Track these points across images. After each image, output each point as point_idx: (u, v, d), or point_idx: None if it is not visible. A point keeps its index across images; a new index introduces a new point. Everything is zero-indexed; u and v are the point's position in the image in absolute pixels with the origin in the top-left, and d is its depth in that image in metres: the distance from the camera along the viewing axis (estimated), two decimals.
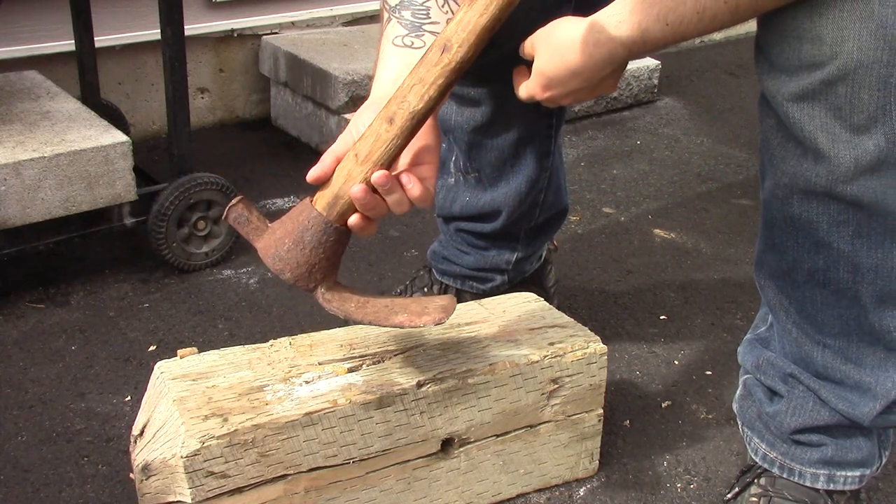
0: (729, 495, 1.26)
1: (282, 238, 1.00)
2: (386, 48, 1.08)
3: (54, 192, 1.56)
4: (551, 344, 1.20)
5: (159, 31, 1.64)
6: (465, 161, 1.44)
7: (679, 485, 1.31)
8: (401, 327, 1.03)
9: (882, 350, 1.09)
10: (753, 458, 1.25)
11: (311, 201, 1.00)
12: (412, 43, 1.07)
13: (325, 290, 1.02)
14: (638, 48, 1.03)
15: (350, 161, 0.97)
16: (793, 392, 1.17)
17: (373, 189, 0.97)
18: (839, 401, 1.13)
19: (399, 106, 0.95)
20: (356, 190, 0.96)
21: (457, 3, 1.09)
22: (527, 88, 1.13)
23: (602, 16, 1.04)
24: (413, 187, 0.98)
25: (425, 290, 1.58)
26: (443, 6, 1.09)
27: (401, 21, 1.08)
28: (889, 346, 1.09)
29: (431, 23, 1.08)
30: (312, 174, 0.99)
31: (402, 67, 1.04)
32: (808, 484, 1.20)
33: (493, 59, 1.25)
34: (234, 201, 1.02)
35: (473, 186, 1.45)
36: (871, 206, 0.99)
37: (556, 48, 1.07)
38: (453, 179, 1.47)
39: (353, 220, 1.00)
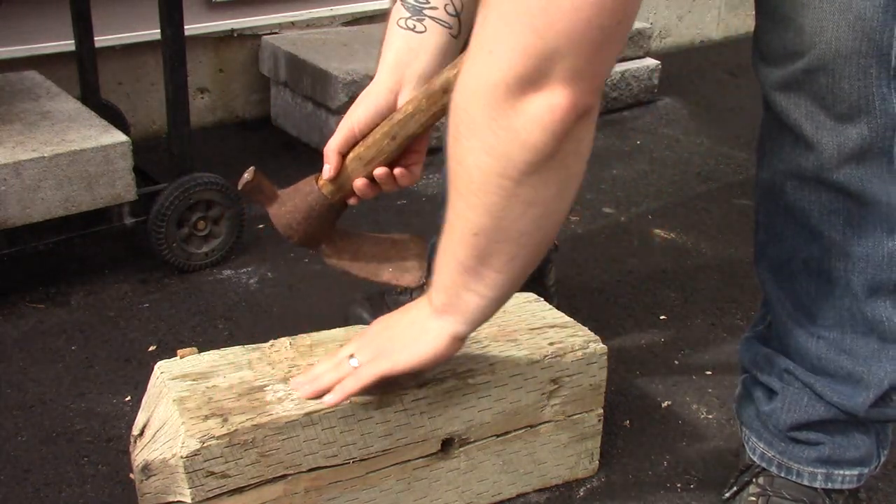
0: (727, 494, 1.26)
1: (292, 211, 1.17)
2: (392, 29, 1.14)
3: (54, 192, 1.56)
4: (551, 344, 1.20)
5: (159, 31, 1.64)
6: None
7: (679, 485, 1.31)
8: (388, 284, 1.23)
9: (875, 341, 1.10)
10: (751, 457, 1.25)
11: (317, 182, 1.16)
12: (414, 27, 1.12)
13: (325, 246, 1.20)
14: (436, 308, 1.01)
15: (355, 162, 1.14)
16: (788, 388, 1.17)
17: (371, 180, 1.14)
18: (833, 394, 1.13)
19: (402, 128, 1.11)
20: (360, 184, 1.14)
21: None
22: None
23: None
24: (402, 178, 1.14)
25: (424, 287, 1.58)
26: None
27: (404, 4, 1.13)
28: (882, 336, 1.09)
29: (431, 7, 1.13)
30: (328, 175, 1.14)
31: (405, 51, 1.12)
32: (806, 483, 1.20)
33: None
34: (248, 174, 1.15)
35: None
36: (858, 195, 1.02)
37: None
38: None
39: (351, 200, 1.17)
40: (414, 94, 1.11)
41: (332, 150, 1.14)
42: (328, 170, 1.14)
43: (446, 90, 1.08)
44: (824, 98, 0.98)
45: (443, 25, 1.12)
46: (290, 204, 1.17)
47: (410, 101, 1.11)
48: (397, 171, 1.14)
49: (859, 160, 0.99)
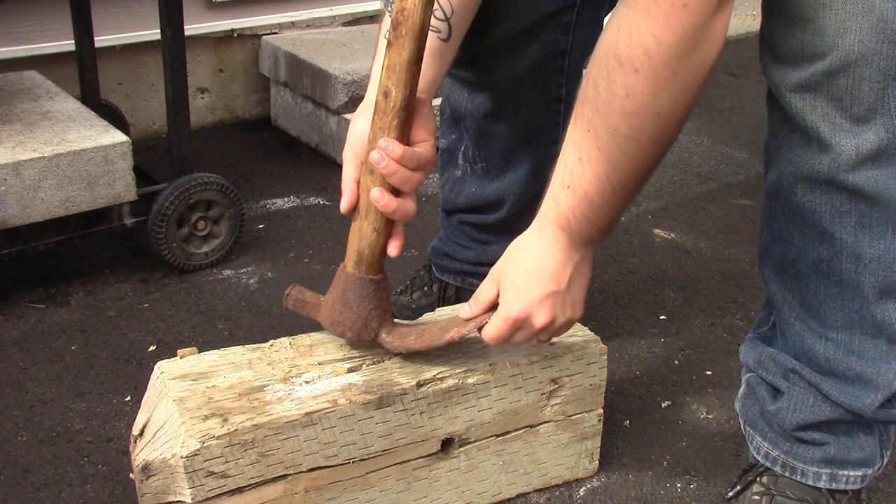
0: (730, 493, 1.26)
1: (333, 305, 1.12)
2: (380, 42, 1.12)
3: (54, 192, 1.56)
4: (551, 344, 1.20)
5: (159, 31, 1.64)
6: (473, 150, 1.45)
7: (679, 485, 1.31)
8: (453, 340, 1.12)
9: (884, 342, 1.10)
10: (755, 456, 1.25)
11: (344, 266, 1.12)
12: None
13: (385, 334, 1.13)
14: (565, 231, 1.04)
15: (358, 219, 1.09)
16: (794, 388, 1.17)
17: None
18: (840, 394, 1.13)
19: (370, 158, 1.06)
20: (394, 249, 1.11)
21: None
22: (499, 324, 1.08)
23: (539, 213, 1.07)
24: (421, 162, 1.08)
25: (425, 288, 1.58)
26: None
27: (390, 14, 1.11)
28: (891, 338, 1.09)
29: None
30: (346, 205, 1.09)
31: None
32: (810, 483, 1.20)
33: (500, 41, 1.26)
34: (289, 290, 1.17)
35: (481, 177, 1.46)
36: (872, 196, 1.01)
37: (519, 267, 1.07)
38: (460, 171, 1.48)
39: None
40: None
41: (347, 179, 1.10)
42: (346, 199, 1.09)
43: (386, 94, 1.04)
44: (842, 100, 0.97)
45: (431, 30, 1.10)
46: (331, 299, 1.13)
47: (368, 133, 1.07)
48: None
49: (875, 161, 0.99)
